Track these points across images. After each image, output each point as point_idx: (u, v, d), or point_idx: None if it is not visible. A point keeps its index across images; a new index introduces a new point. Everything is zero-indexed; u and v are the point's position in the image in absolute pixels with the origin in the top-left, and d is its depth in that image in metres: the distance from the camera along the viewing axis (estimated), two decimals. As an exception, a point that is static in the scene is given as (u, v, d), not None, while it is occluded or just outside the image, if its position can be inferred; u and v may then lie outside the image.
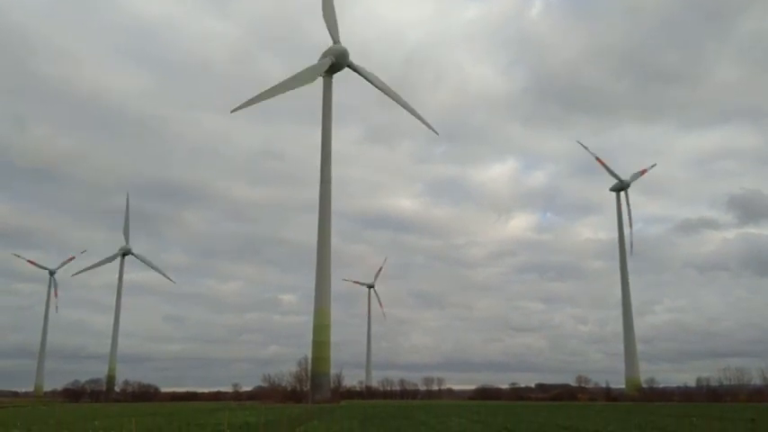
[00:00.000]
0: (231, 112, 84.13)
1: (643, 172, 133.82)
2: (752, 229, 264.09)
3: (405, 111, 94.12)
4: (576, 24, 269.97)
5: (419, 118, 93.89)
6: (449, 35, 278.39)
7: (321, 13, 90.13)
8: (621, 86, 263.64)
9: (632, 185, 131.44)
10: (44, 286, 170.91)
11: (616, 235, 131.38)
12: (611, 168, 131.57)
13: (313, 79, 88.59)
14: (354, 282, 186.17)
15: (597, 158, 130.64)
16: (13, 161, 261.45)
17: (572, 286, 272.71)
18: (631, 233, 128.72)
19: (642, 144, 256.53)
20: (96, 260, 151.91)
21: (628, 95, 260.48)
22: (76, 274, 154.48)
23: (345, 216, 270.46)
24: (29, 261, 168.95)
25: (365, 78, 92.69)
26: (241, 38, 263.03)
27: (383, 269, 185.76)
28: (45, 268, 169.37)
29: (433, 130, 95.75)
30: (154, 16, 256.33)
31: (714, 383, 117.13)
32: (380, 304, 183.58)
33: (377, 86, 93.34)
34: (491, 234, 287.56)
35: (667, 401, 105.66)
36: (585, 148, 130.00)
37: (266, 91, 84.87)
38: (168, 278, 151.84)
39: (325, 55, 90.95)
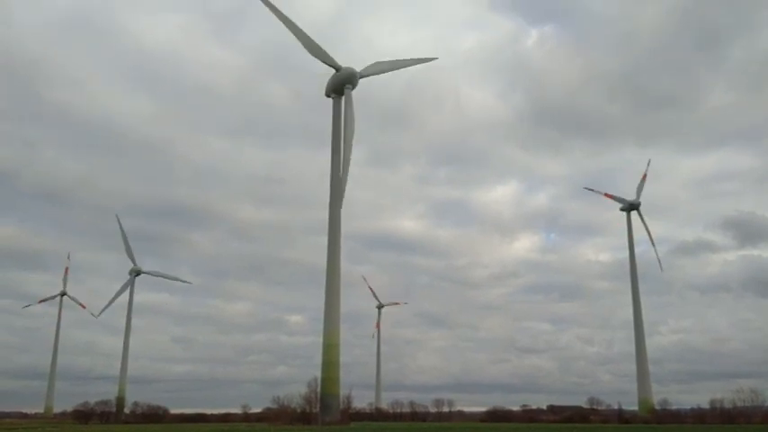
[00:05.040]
0: (340, 208, 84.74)
1: (644, 177, 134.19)
2: (751, 251, 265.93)
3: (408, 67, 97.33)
4: (571, 51, 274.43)
5: (422, 61, 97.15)
6: (447, 62, 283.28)
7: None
8: (617, 111, 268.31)
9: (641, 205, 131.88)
10: (54, 307, 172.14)
11: (620, 255, 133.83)
12: (615, 193, 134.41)
13: (353, 120, 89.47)
14: (377, 326, 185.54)
15: (606, 194, 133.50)
16: (24, 184, 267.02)
17: (577, 307, 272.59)
18: (656, 250, 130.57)
19: (640, 166, 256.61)
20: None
21: (624, 119, 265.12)
22: (101, 313, 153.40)
23: (350, 237, 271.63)
24: (41, 301, 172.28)
25: (379, 74, 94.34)
26: (246, 64, 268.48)
27: (371, 288, 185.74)
28: (57, 296, 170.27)
29: (433, 58, 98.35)
30: (160, 44, 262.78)
31: (728, 405, 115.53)
32: (396, 303, 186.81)
33: (389, 70, 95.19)
34: (495, 255, 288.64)
35: (681, 423, 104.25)
36: (592, 190, 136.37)
37: (344, 163, 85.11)
38: (184, 281, 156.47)
39: (333, 82, 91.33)
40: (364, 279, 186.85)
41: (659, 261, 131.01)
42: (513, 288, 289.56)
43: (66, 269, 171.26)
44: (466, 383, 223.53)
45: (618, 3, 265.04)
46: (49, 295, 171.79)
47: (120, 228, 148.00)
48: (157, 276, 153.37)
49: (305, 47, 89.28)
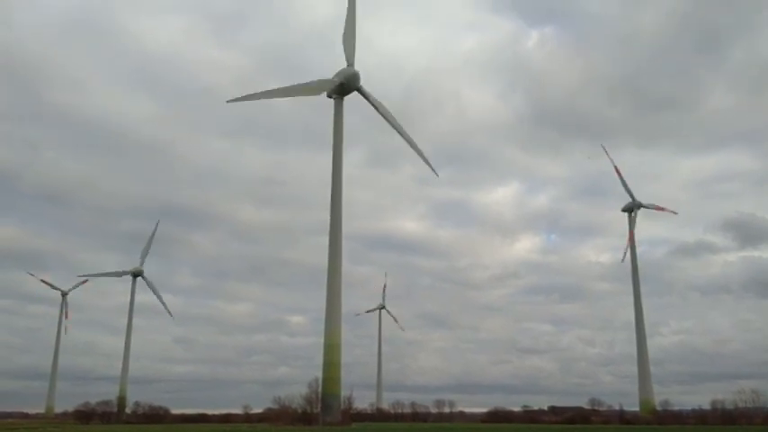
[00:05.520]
0: (227, 102, 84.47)
1: (659, 209, 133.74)
2: (752, 252, 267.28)
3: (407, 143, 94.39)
4: (571, 53, 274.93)
5: (420, 155, 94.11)
6: (447, 63, 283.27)
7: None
8: (617, 112, 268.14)
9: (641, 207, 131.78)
10: (56, 308, 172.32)
11: (620, 256, 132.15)
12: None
13: (317, 92, 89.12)
14: (367, 312, 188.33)
15: (615, 167, 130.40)
16: (24, 185, 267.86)
17: (578, 308, 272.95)
18: (625, 253, 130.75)
19: (641, 168, 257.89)
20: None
21: (624, 121, 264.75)
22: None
23: (350, 238, 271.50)
24: (42, 281, 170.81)
25: (371, 104, 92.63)
26: (246, 65, 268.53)
27: (386, 286, 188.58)
28: (58, 289, 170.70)
29: (434, 171, 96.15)
30: (161, 44, 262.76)
31: (729, 406, 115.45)
32: (396, 320, 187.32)
33: (382, 114, 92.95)
34: (496, 256, 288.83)
35: (682, 424, 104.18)
36: (607, 153, 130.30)
37: (269, 91, 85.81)
38: (168, 312, 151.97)
39: (337, 76, 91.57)
40: (386, 275, 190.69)
41: (623, 257, 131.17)
42: (514, 289, 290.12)
43: (85, 281, 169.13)
44: (467, 384, 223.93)
45: (618, 4, 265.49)
46: (51, 295, 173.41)
47: (154, 230, 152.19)
48: (150, 288, 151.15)
49: (346, 28, 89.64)
